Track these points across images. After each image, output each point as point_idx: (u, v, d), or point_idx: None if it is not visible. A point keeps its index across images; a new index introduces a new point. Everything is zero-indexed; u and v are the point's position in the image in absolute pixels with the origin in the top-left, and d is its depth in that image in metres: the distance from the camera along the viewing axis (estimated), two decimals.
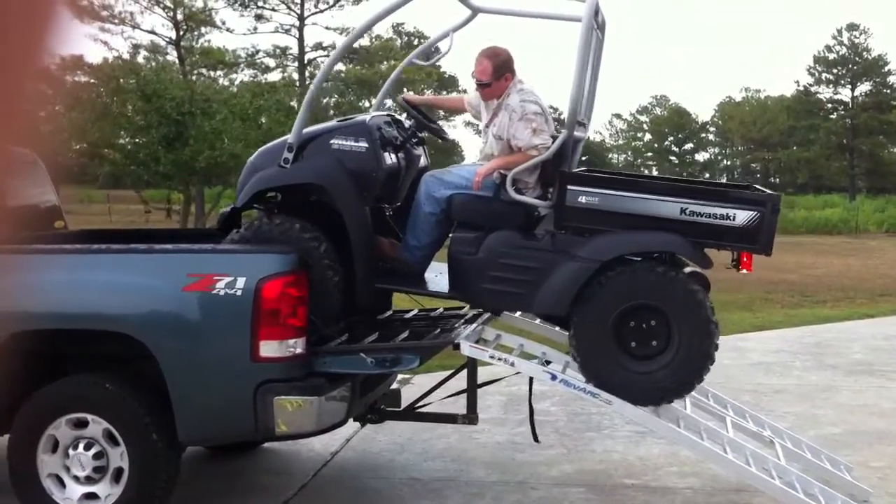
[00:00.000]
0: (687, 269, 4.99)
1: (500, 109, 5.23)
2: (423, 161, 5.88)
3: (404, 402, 6.03)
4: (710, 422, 5.51)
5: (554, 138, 5.15)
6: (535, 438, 5.90)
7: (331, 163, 5.12)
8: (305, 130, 5.20)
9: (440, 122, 5.94)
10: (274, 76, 45.60)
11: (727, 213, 4.80)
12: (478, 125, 5.77)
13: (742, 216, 4.79)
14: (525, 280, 4.96)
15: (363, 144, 5.10)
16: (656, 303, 4.81)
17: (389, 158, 5.27)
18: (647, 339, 4.86)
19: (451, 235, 5.22)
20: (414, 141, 5.61)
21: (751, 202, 4.90)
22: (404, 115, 5.81)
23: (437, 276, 5.42)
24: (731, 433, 5.41)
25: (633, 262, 4.89)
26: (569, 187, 4.95)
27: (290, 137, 5.14)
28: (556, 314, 5.08)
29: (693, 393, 5.86)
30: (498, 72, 5.21)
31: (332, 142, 5.14)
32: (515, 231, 5.08)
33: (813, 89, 64.90)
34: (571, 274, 4.85)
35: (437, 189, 5.23)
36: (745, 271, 5.17)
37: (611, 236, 4.90)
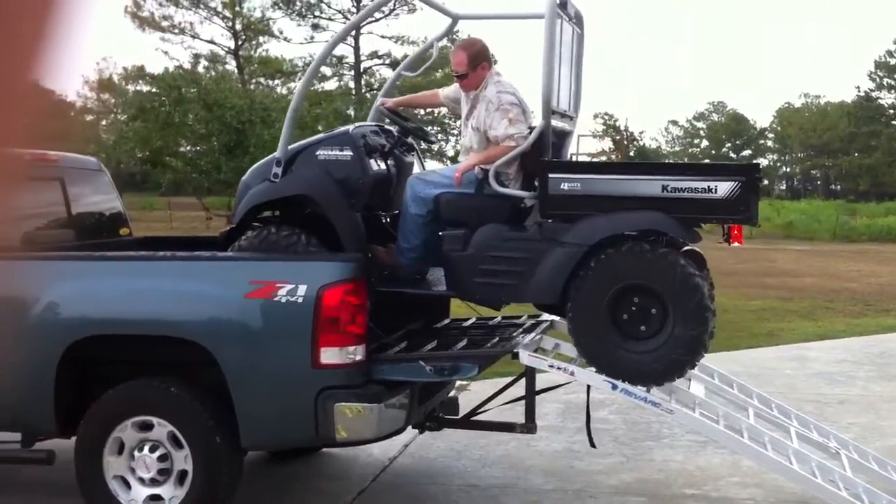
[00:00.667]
0: (685, 249, 4.99)
1: (477, 101, 5.29)
2: (416, 167, 5.94)
3: (462, 410, 6.04)
4: (775, 432, 5.43)
5: (532, 129, 5.17)
6: (592, 444, 5.88)
7: (318, 173, 5.23)
8: (293, 145, 5.34)
9: (429, 127, 6.15)
10: (330, 85, 45.99)
11: (708, 186, 4.79)
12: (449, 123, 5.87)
13: (723, 188, 4.77)
14: (515, 271, 4.97)
15: (348, 153, 5.20)
16: (646, 281, 4.78)
17: (376, 165, 5.36)
18: (641, 318, 4.83)
19: (440, 234, 5.24)
20: (403, 147, 5.70)
21: (730, 173, 4.91)
22: (387, 122, 5.88)
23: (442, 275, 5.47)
24: (797, 444, 5.32)
25: (622, 243, 4.86)
26: (550, 175, 4.98)
27: (277, 153, 5.29)
28: (549, 302, 5.06)
29: (756, 403, 5.80)
30: (474, 61, 5.27)
31: (317, 153, 5.27)
32: (502, 224, 5.12)
33: (874, 95, 63.75)
34: (560, 260, 4.87)
35: (423, 190, 5.29)
36: (736, 244, 5.21)
37: (595, 220, 4.90)
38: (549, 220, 5.02)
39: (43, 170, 6.12)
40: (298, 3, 46.57)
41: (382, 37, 55.06)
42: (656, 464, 6.33)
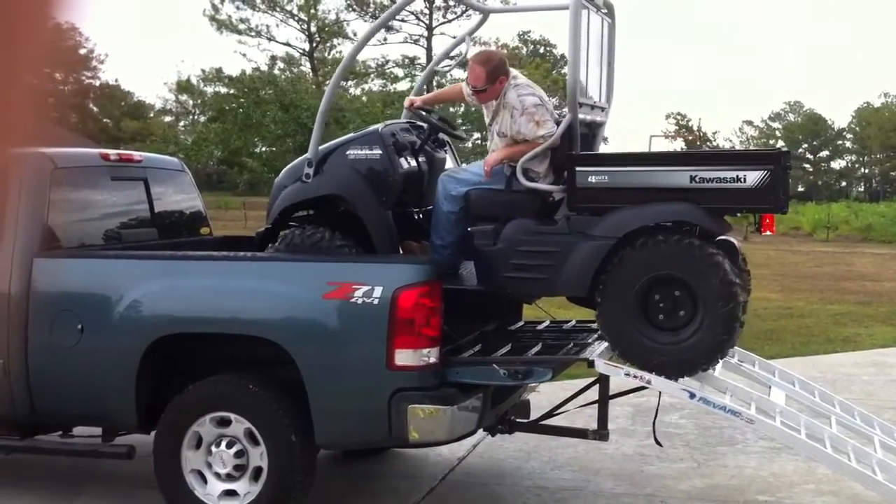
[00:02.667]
0: (718, 239, 4.94)
1: (500, 108, 5.29)
2: (449, 163, 5.97)
3: (532, 410, 6.06)
4: (858, 441, 5.32)
5: (559, 124, 5.16)
6: (658, 442, 5.87)
7: (348, 172, 5.31)
8: (324, 146, 5.42)
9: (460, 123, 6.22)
10: (402, 86, 46.22)
11: (737, 176, 4.71)
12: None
13: (753, 177, 4.69)
14: (545, 265, 4.96)
15: (377, 151, 5.29)
16: (676, 272, 4.73)
17: (407, 163, 5.42)
18: (671, 309, 4.79)
19: (469, 229, 5.26)
20: (434, 144, 5.74)
21: (760, 160, 4.81)
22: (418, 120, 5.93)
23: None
24: (881, 453, 5.20)
25: (652, 235, 4.81)
26: (578, 168, 4.97)
27: (308, 153, 5.39)
28: (578, 294, 5.03)
29: (839, 410, 5.69)
30: (491, 76, 5.26)
31: (347, 153, 5.35)
32: (531, 218, 5.12)
33: None
34: (588, 253, 4.85)
35: (454, 187, 5.31)
36: (768, 233, 5.13)
37: (624, 212, 4.86)
38: (578, 214, 5.03)
39: (128, 170, 6.31)
40: (372, 6, 46.94)
41: (454, 37, 55.14)
42: (729, 470, 6.26)
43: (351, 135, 5.66)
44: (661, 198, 4.85)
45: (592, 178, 4.93)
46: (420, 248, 5.57)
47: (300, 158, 5.56)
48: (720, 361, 5.06)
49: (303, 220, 5.60)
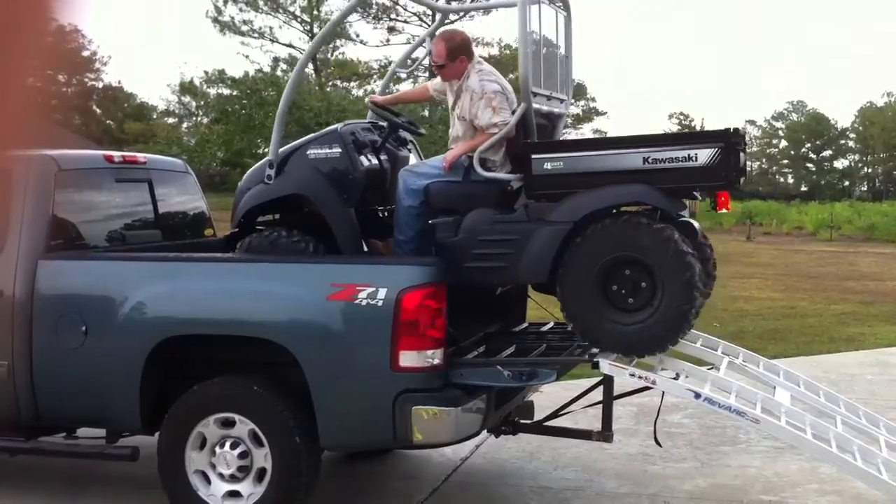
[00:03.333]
0: (683, 219, 5.07)
1: (461, 91, 5.35)
2: (412, 160, 6.01)
3: (536, 412, 6.06)
4: (863, 441, 5.31)
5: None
6: (657, 442, 5.90)
7: (309, 172, 5.39)
8: (284, 147, 5.51)
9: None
10: (405, 86, 46.24)
11: (688, 155, 4.81)
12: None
13: (704, 155, 4.79)
14: (506, 253, 5.01)
15: (337, 150, 5.38)
16: (631, 252, 4.79)
17: (367, 160, 5.49)
18: (631, 289, 4.84)
19: (430, 222, 5.31)
20: (396, 142, 5.83)
21: (709, 139, 4.88)
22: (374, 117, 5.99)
23: None
24: (886, 453, 5.18)
25: (608, 217, 4.88)
26: (533, 156, 5.03)
27: (269, 155, 5.47)
28: (539, 280, 5.07)
29: (843, 410, 5.69)
30: (452, 54, 5.34)
31: (308, 153, 5.44)
32: (491, 208, 5.18)
33: None
34: (546, 239, 4.91)
35: (414, 182, 5.36)
36: (724, 210, 5.24)
37: (579, 196, 4.94)
38: (536, 201, 5.09)
39: (132, 172, 6.32)
40: (374, 7, 46.95)
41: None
42: (732, 469, 6.26)
43: (311, 135, 5.74)
44: (615, 181, 4.92)
45: (548, 165, 5.01)
46: (385, 247, 5.64)
47: (262, 161, 5.62)
48: (686, 333, 5.11)
49: (269, 223, 5.66)
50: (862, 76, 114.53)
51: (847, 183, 75.03)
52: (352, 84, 48.58)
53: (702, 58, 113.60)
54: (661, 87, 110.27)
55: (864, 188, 75.33)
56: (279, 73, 43.00)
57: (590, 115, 65.00)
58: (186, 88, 50.74)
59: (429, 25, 46.68)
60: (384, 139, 5.70)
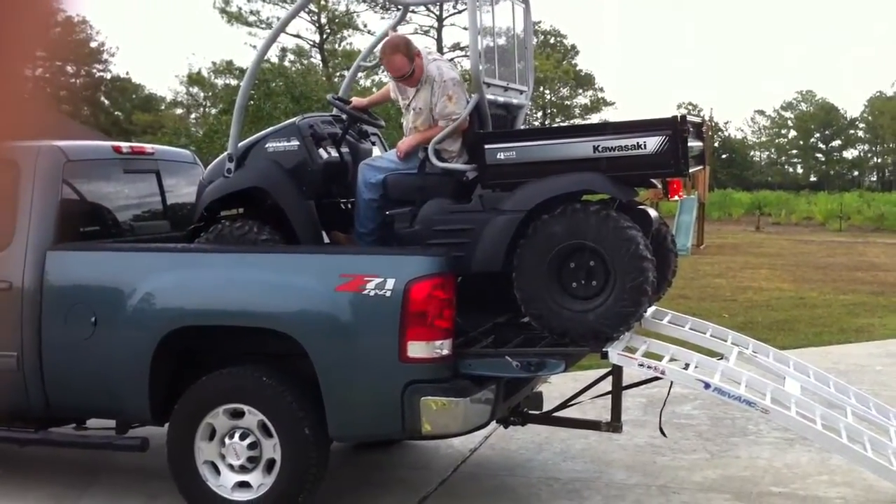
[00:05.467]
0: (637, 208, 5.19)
1: (421, 85, 5.41)
2: (376, 152, 6.05)
3: (545, 403, 6.05)
4: (874, 432, 5.30)
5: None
6: (662, 432, 5.95)
7: (268, 165, 5.48)
8: (244, 141, 5.59)
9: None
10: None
11: (637, 143, 4.85)
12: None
13: (652, 143, 4.83)
14: (461, 242, 5.05)
15: (295, 143, 5.47)
16: (584, 240, 4.83)
17: (326, 153, 5.55)
18: (584, 277, 4.89)
19: (388, 213, 5.37)
20: (357, 135, 5.91)
21: (657, 127, 4.90)
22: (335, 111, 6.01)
23: None
24: None
25: (557, 206, 4.89)
26: (486, 146, 5.09)
27: (228, 149, 5.54)
28: (494, 269, 5.07)
29: (854, 401, 5.67)
30: (410, 56, 5.39)
31: (267, 146, 5.53)
32: (447, 198, 5.24)
33: None
34: (500, 228, 4.96)
35: (372, 175, 5.43)
36: (676, 198, 5.38)
37: (531, 185, 4.98)
38: (492, 191, 5.14)
39: (140, 163, 6.32)
40: None
41: (465, 28, 55.08)
42: (742, 461, 6.25)
43: (270, 129, 5.80)
44: (566, 169, 4.96)
45: (501, 155, 5.07)
46: (347, 239, 5.68)
47: (222, 155, 5.69)
48: (629, 330, 5.14)
49: (233, 216, 5.71)
50: (872, 66, 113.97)
51: (856, 173, 74.73)
52: (360, 74, 48.56)
53: (711, 46, 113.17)
54: (670, 77, 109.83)
55: (874, 178, 75.04)
56: (287, 63, 43.01)
57: (598, 105, 64.90)
58: (194, 79, 50.78)
59: (436, 16, 46.43)
60: (343, 132, 5.76)
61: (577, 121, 62.35)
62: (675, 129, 4.83)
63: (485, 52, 5.39)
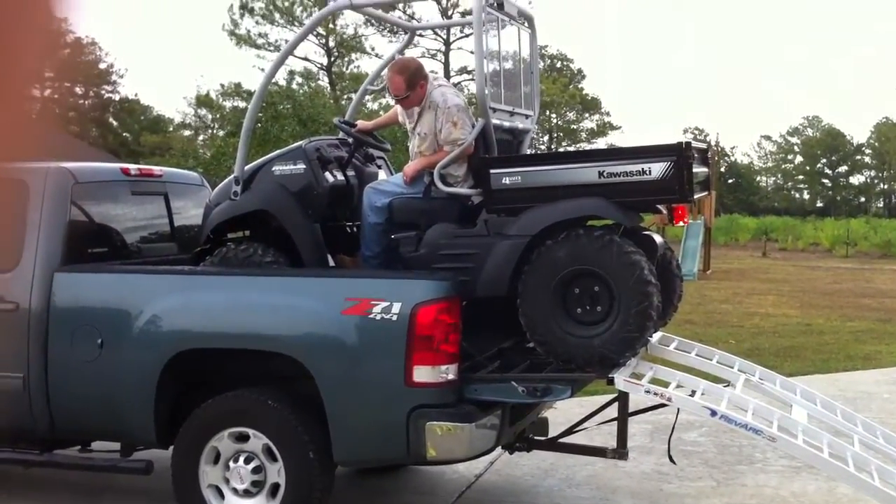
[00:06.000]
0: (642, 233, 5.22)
1: (424, 110, 5.45)
2: (382, 176, 6.07)
3: (550, 429, 6.02)
4: (881, 461, 5.26)
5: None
6: (671, 459, 5.89)
7: (274, 188, 5.50)
8: (251, 164, 5.63)
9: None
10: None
11: (643, 169, 4.86)
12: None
13: (657, 169, 4.83)
14: (466, 267, 5.04)
15: (301, 166, 5.48)
16: (588, 265, 4.82)
17: (332, 177, 5.58)
18: (589, 303, 4.88)
19: (393, 237, 5.39)
20: (364, 159, 5.94)
21: (662, 153, 4.90)
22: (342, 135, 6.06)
23: None
24: None
25: (562, 231, 4.90)
26: (492, 171, 5.10)
27: (235, 172, 5.57)
28: (499, 294, 5.05)
29: (861, 430, 5.64)
30: (411, 83, 5.42)
31: (273, 169, 5.55)
32: (452, 222, 5.25)
33: None
34: (505, 253, 4.96)
35: (378, 199, 5.45)
36: (681, 223, 5.42)
37: (537, 210, 4.99)
38: (497, 216, 5.15)
39: (148, 185, 6.34)
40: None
41: (472, 52, 55.24)
42: (748, 489, 6.21)
43: (276, 152, 5.82)
44: (571, 194, 4.96)
45: (506, 180, 5.07)
46: (353, 262, 5.69)
47: (229, 178, 5.70)
48: (635, 356, 5.13)
49: (239, 239, 5.72)
50: (878, 92, 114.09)
51: (863, 199, 74.71)
52: (367, 98, 48.73)
53: (718, 71, 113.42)
54: (676, 102, 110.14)
55: (881, 204, 75.00)
56: (294, 86, 43.18)
57: (604, 129, 65.03)
58: (203, 101, 51.00)
59: (443, 39, 46.68)
60: (350, 155, 5.79)
61: (584, 145, 62.47)
62: (679, 155, 4.83)
63: (491, 76, 5.43)
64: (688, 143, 4.90)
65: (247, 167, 5.62)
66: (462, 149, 5.27)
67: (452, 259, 5.09)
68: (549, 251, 4.87)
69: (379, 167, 6.19)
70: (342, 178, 5.70)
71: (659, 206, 5.36)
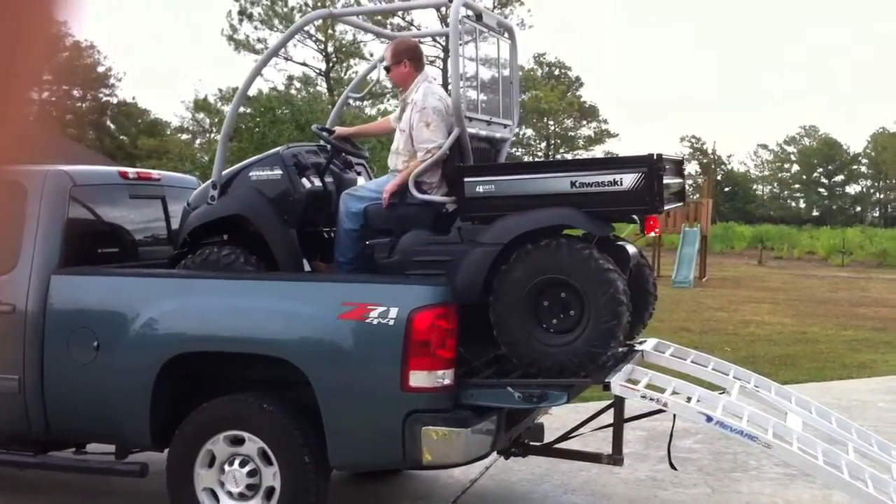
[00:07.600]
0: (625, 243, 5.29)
1: (406, 104, 5.51)
2: (360, 182, 6.09)
3: (546, 435, 6.02)
4: (876, 469, 5.27)
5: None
6: (672, 466, 5.89)
7: (251, 193, 5.54)
8: (228, 169, 5.66)
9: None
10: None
11: (614, 179, 4.91)
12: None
13: (628, 179, 4.88)
14: (439, 274, 5.06)
15: (278, 172, 5.53)
16: (568, 278, 4.84)
17: (309, 183, 5.61)
18: (559, 312, 4.91)
19: (367, 243, 5.41)
20: (342, 165, 5.97)
21: (634, 164, 4.95)
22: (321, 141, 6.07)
23: None
24: None
25: (536, 240, 4.92)
26: (466, 179, 5.13)
27: (213, 177, 5.61)
28: (471, 301, 5.06)
29: (856, 438, 5.65)
30: (396, 57, 5.51)
31: (250, 174, 5.60)
32: (426, 229, 5.28)
33: None
34: (477, 260, 4.98)
35: (354, 205, 5.48)
36: (653, 234, 5.41)
37: (509, 219, 5.01)
38: (471, 223, 5.18)
39: (146, 188, 6.35)
40: (389, 27, 47.23)
41: (470, 59, 55.31)
42: (743, 496, 6.22)
43: (254, 157, 5.86)
44: (544, 203, 5.00)
45: (480, 188, 5.11)
46: (328, 268, 5.71)
47: (207, 182, 5.74)
48: (616, 350, 5.19)
49: (216, 243, 5.73)
50: (875, 101, 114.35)
51: (859, 208, 74.80)
52: (365, 103, 48.76)
53: (715, 79, 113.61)
54: (673, 110, 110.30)
55: (877, 214, 75.09)
56: (293, 91, 43.24)
57: (601, 136, 65.12)
58: (200, 105, 50.97)
59: (441, 46, 46.73)
60: (328, 162, 5.82)
61: (581, 152, 62.52)
62: (650, 166, 4.88)
63: (468, 85, 5.46)
64: (659, 155, 4.93)
65: (224, 172, 5.65)
66: (437, 156, 5.30)
67: (425, 265, 5.14)
68: (528, 255, 4.90)
69: (358, 174, 6.22)
70: (319, 184, 5.73)
71: (633, 216, 5.39)
